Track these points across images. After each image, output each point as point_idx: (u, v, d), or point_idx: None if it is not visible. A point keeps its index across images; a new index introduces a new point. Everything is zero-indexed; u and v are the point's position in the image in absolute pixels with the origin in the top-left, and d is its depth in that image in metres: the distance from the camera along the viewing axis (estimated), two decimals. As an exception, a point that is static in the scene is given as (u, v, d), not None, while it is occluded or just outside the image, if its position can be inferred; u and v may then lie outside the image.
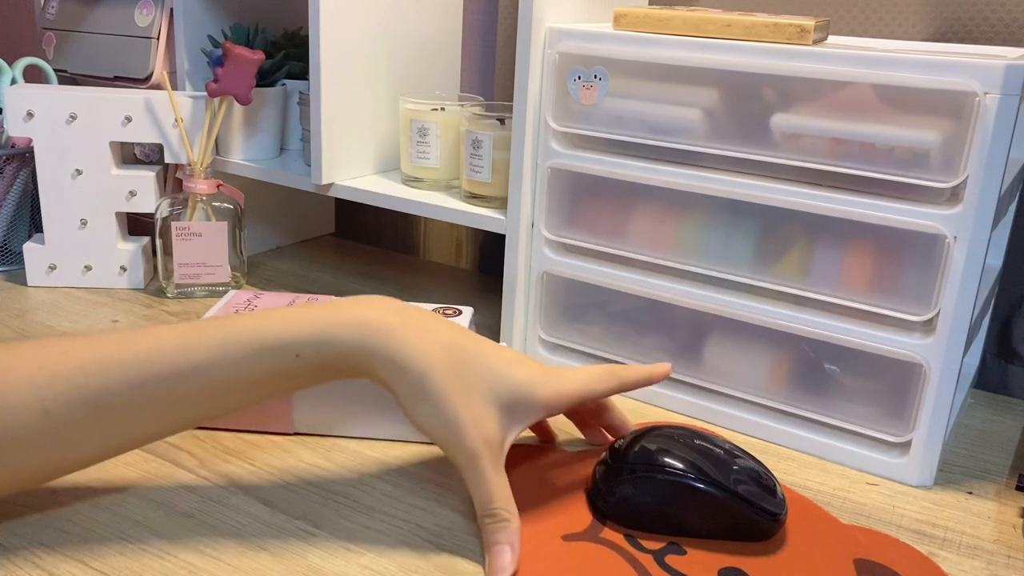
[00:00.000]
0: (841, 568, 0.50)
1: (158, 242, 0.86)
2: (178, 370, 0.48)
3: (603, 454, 0.56)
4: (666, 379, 0.58)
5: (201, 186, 0.85)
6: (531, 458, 0.60)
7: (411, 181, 0.83)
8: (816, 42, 0.61)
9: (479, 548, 0.51)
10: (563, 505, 0.55)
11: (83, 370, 0.47)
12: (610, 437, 0.61)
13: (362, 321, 0.49)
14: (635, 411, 0.69)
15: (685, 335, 0.68)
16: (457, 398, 0.49)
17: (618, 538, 0.52)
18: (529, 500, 0.54)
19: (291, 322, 0.49)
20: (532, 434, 0.64)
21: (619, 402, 0.66)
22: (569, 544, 0.51)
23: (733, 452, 0.54)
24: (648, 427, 0.56)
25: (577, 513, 0.54)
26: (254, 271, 0.97)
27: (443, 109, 0.80)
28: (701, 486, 0.51)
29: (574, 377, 0.54)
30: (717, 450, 0.53)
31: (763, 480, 0.53)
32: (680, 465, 0.52)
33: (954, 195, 0.56)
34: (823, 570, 0.50)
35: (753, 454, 0.56)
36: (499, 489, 0.49)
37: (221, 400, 0.49)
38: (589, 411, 0.60)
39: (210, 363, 0.48)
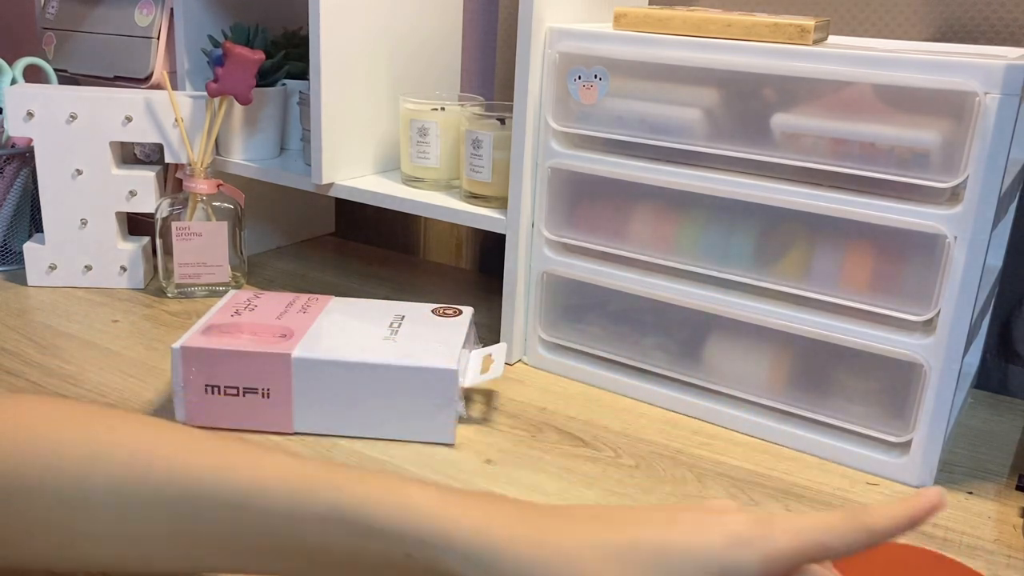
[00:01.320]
0: None
1: (158, 242, 0.86)
2: (270, 515, 0.38)
3: None
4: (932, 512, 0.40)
5: (201, 186, 0.85)
6: None
7: (411, 181, 0.83)
8: (816, 42, 0.61)
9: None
10: None
11: (135, 464, 0.39)
12: None
13: (489, 527, 0.37)
14: (630, 409, 0.69)
15: (685, 335, 0.68)
16: None
17: None
18: None
19: (409, 509, 0.37)
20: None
21: (614, 403, 0.65)
22: None
23: None
24: None
25: None
26: (254, 271, 0.97)
27: (443, 109, 0.80)
28: None
29: (794, 527, 0.36)
30: None
31: None
32: None
33: (954, 195, 0.56)
34: None
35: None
36: None
37: (295, 566, 0.39)
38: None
39: (304, 525, 0.38)
